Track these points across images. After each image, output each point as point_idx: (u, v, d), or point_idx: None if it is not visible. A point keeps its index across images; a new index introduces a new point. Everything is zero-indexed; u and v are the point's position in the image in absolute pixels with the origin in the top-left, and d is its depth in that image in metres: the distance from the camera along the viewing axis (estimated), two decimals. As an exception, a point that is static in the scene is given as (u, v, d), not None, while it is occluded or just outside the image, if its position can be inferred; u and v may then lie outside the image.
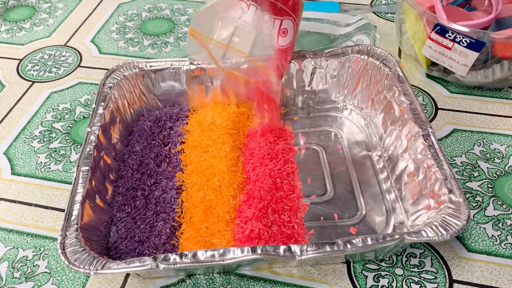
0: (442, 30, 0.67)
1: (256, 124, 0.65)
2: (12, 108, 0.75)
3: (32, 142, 0.69)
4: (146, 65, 0.66)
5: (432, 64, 0.75)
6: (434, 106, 0.72)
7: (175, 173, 0.61)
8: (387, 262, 0.54)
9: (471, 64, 0.68)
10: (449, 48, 0.68)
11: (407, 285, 0.52)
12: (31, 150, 0.68)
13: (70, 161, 0.66)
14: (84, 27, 0.92)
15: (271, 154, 0.62)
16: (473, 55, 0.67)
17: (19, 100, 0.76)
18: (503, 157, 0.65)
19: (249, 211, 0.55)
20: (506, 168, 0.63)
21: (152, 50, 0.86)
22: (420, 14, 0.71)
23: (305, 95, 0.70)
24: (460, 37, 0.66)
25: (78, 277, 0.54)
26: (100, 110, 0.61)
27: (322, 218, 0.57)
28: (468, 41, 0.65)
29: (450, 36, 0.67)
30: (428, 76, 0.78)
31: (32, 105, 0.75)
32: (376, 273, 0.53)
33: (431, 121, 0.70)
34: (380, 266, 0.54)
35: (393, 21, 0.90)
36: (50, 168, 0.65)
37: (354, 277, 0.53)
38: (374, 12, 0.91)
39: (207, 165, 0.61)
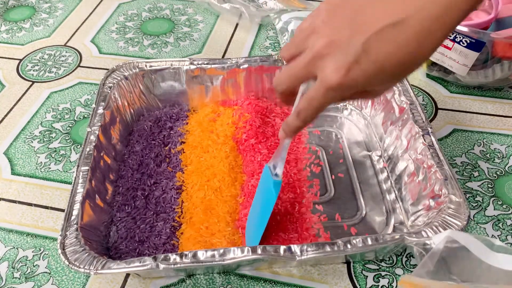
0: None
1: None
2: (12, 108, 0.75)
3: (32, 142, 0.69)
4: (146, 65, 0.66)
5: (432, 64, 0.75)
6: (434, 106, 0.72)
7: (175, 173, 0.61)
8: (387, 262, 0.54)
9: (471, 64, 0.68)
10: (449, 48, 0.68)
11: (407, 285, 0.52)
12: (31, 150, 0.68)
13: (70, 161, 0.66)
14: (84, 27, 0.92)
15: (272, 152, 0.62)
16: (473, 55, 0.67)
17: (19, 100, 0.76)
18: (503, 157, 0.65)
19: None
20: (506, 168, 0.63)
21: (152, 50, 0.86)
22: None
23: (305, 95, 0.70)
24: (460, 37, 0.66)
25: (78, 277, 0.54)
26: (100, 110, 0.61)
27: (322, 218, 0.57)
28: (468, 41, 0.66)
29: (450, 36, 0.67)
30: (428, 76, 0.78)
31: (32, 105, 0.75)
32: (376, 273, 0.53)
33: (431, 121, 0.70)
34: (380, 266, 0.54)
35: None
36: (50, 168, 0.65)
37: (354, 277, 0.53)
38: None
39: (207, 165, 0.61)
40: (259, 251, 0.45)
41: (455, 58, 0.68)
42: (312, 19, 0.37)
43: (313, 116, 0.39)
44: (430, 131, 0.56)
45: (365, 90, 0.36)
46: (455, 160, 0.64)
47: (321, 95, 0.36)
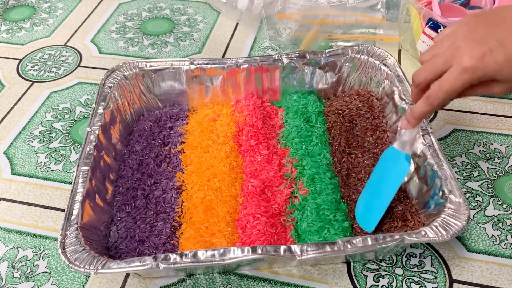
0: (434, 25, 0.68)
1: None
2: (12, 108, 0.75)
3: (32, 142, 0.69)
4: (146, 65, 0.66)
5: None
6: (434, 106, 0.72)
7: (175, 173, 0.61)
8: (387, 262, 0.54)
9: None
10: None
11: (407, 285, 0.52)
12: (31, 150, 0.68)
13: (70, 161, 0.66)
14: (84, 27, 0.92)
15: (272, 152, 0.62)
16: None
17: (19, 100, 0.76)
18: (503, 157, 0.65)
19: (251, 209, 0.55)
20: (506, 168, 0.63)
21: (152, 50, 0.86)
22: (418, 9, 0.72)
23: (305, 95, 0.70)
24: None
25: (78, 276, 0.54)
26: (100, 110, 0.61)
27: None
28: None
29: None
30: (428, 76, 0.78)
31: (32, 105, 0.75)
32: (376, 273, 0.53)
33: (431, 121, 0.70)
34: (380, 266, 0.54)
35: (393, 21, 0.89)
36: (50, 168, 0.65)
37: (354, 277, 0.53)
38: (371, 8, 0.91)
39: (207, 165, 0.61)
40: (259, 251, 0.45)
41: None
42: (452, 29, 0.44)
43: (442, 99, 0.43)
44: (430, 131, 0.56)
45: (492, 80, 0.41)
46: (455, 160, 0.64)
47: (453, 77, 0.41)
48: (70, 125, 0.72)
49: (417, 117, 0.47)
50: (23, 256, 0.56)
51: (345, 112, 0.66)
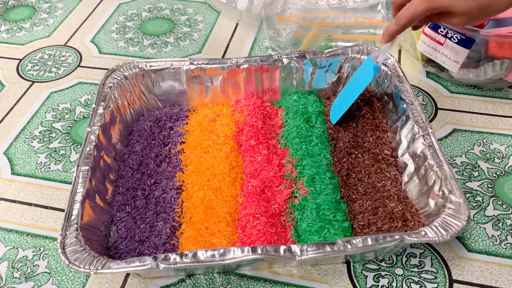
0: (435, 25, 0.68)
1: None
2: (12, 108, 0.75)
3: (32, 142, 0.69)
4: (146, 65, 0.66)
5: (428, 61, 0.75)
6: (434, 106, 0.72)
7: (175, 173, 0.61)
8: (387, 262, 0.54)
9: (462, 61, 0.68)
10: (441, 44, 0.68)
11: (407, 285, 0.52)
12: (31, 150, 0.68)
13: (70, 161, 0.66)
14: (84, 27, 0.92)
15: (272, 152, 0.62)
16: (464, 52, 0.67)
17: (19, 100, 0.76)
18: (503, 157, 0.65)
19: (251, 209, 0.55)
20: (506, 168, 0.63)
21: (152, 50, 0.86)
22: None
23: (305, 95, 0.70)
24: (451, 33, 0.66)
25: (78, 277, 0.54)
26: (100, 110, 0.61)
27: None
28: (459, 37, 0.66)
29: (442, 32, 0.67)
30: (428, 76, 0.78)
31: (32, 105, 0.75)
32: (376, 273, 0.53)
33: (431, 121, 0.70)
34: (380, 266, 0.54)
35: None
36: (50, 168, 0.65)
37: (354, 277, 0.53)
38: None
39: (207, 165, 0.61)
40: (259, 251, 0.45)
41: (447, 54, 0.69)
42: None
43: (407, 20, 0.52)
44: (430, 131, 0.56)
45: (449, 11, 0.49)
46: (455, 160, 0.64)
47: (417, 3, 0.50)
48: (70, 125, 0.72)
49: (389, 34, 0.55)
50: (23, 256, 0.56)
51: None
